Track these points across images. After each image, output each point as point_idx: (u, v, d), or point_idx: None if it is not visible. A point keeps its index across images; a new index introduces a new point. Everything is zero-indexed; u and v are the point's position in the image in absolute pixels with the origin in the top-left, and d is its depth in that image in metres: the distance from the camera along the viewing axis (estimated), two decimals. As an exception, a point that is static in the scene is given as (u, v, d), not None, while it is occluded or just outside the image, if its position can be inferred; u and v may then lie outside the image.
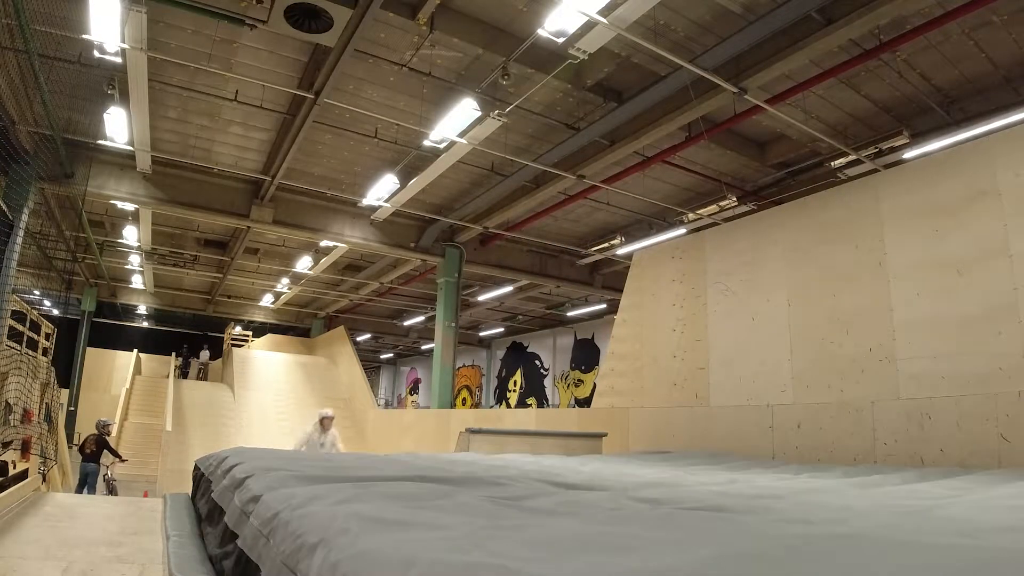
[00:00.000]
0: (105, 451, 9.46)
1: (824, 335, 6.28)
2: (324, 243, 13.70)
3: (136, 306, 22.67)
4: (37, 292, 15.16)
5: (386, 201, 10.90)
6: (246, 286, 19.96)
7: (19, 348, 7.84)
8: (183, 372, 21.36)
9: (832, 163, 9.12)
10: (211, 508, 3.04)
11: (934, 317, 5.40)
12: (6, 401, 6.75)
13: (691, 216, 11.06)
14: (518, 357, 24.75)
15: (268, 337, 23.63)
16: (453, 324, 13.21)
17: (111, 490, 9.48)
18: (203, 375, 21.91)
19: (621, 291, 9.43)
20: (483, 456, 5.32)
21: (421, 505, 1.99)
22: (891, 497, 2.92)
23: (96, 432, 9.54)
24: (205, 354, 22.34)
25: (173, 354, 20.65)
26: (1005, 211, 5.10)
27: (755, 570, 1.24)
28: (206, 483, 3.54)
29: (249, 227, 12.27)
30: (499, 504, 2.11)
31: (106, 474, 9.62)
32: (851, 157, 8.69)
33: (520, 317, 22.48)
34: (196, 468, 4.15)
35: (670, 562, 1.25)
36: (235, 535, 2.27)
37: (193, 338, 24.92)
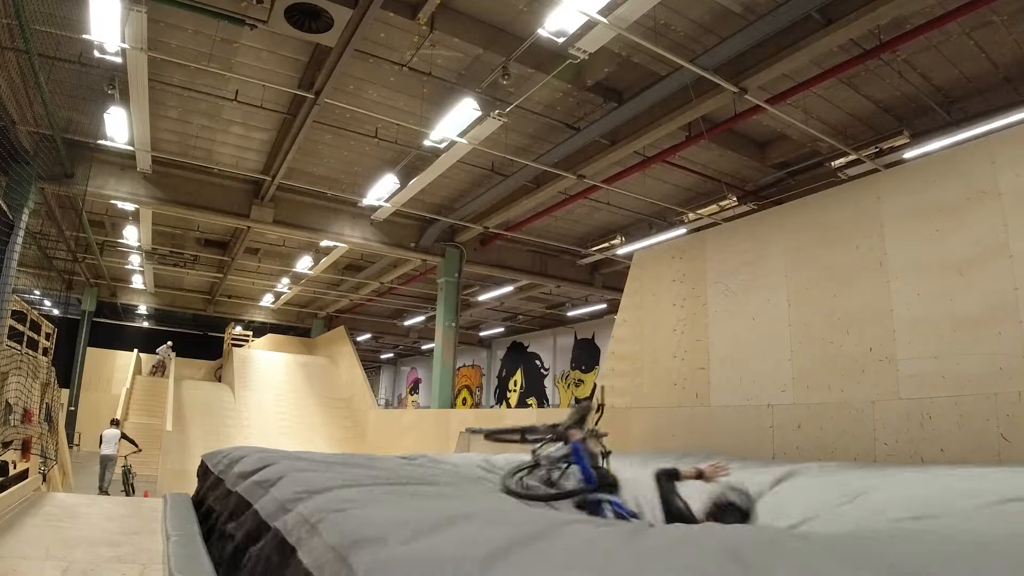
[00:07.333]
0: None
1: (824, 335, 6.26)
2: (324, 243, 13.70)
3: (136, 306, 22.63)
4: (37, 292, 15.19)
5: (386, 201, 10.90)
6: (246, 286, 19.95)
7: (19, 348, 7.84)
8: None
9: (832, 163, 9.12)
10: (231, 502, 3.01)
11: (934, 317, 5.40)
12: (6, 401, 6.75)
13: (691, 216, 11.06)
14: (518, 357, 24.74)
15: (268, 337, 23.60)
16: (453, 324, 13.20)
17: None
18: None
19: (621, 291, 9.40)
20: (483, 456, 5.31)
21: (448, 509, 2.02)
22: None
23: None
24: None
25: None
26: (1005, 211, 5.08)
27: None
28: (215, 479, 3.51)
29: (249, 227, 12.27)
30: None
31: None
32: (851, 157, 8.69)
33: (520, 317, 22.47)
34: (202, 464, 4.13)
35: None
36: (267, 527, 2.27)
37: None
